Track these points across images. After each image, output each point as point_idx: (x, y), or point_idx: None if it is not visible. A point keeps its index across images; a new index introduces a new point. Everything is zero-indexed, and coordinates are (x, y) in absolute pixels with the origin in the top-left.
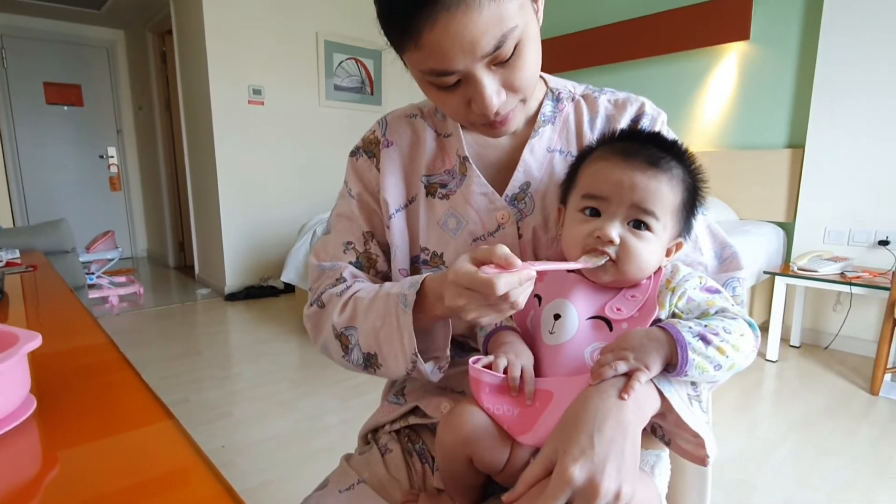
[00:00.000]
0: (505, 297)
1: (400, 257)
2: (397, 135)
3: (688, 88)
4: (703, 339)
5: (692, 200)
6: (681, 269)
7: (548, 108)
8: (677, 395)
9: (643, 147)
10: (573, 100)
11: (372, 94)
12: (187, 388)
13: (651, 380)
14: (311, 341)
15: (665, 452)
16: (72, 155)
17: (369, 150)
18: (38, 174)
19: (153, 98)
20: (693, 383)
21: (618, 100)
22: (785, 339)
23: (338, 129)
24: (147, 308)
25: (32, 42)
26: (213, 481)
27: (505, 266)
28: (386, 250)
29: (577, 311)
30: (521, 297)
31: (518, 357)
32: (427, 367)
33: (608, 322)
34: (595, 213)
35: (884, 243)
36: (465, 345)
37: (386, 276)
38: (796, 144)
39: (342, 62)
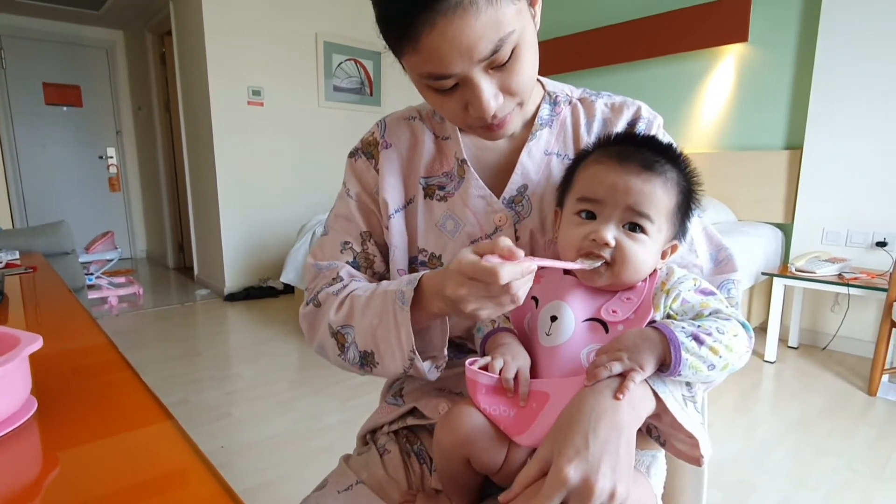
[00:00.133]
0: (506, 288)
1: (398, 258)
2: (396, 137)
3: (686, 90)
4: (697, 339)
5: (687, 203)
6: (675, 271)
7: (545, 111)
8: (672, 396)
9: (638, 150)
10: (570, 103)
11: (371, 95)
12: (186, 388)
13: (646, 381)
14: (303, 334)
15: (661, 453)
16: (71, 155)
17: (368, 151)
18: (37, 175)
19: (153, 99)
20: (688, 384)
21: (614, 103)
22: (783, 340)
23: (337, 130)
24: (146, 309)
25: (32, 42)
26: (213, 482)
27: (508, 257)
28: (383, 251)
29: (574, 314)
30: (522, 290)
31: (514, 358)
32: (424, 366)
33: (604, 324)
34: (591, 215)
35: (881, 244)
36: (462, 346)
37: (383, 277)
38: (794, 146)
39: (341, 63)
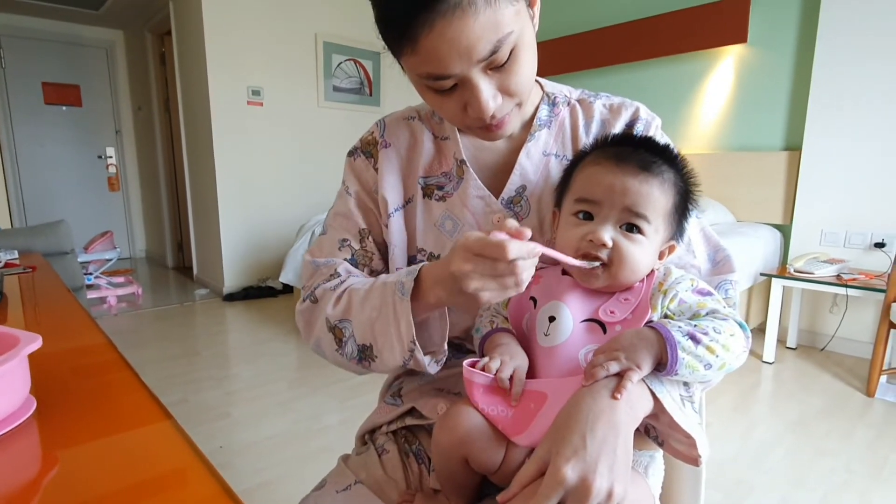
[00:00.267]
0: (512, 267)
1: (397, 256)
2: (395, 136)
3: (685, 91)
4: (693, 338)
5: (684, 204)
6: (673, 271)
7: (544, 112)
8: (669, 397)
9: (635, 151)
10: (569, 104)
11: (371, 95)
12: (185, 388)
13: (644, 380)
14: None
15: (659, 453)
16: (70, 155)
17: (367, 150)
18: (36, 174)
19: (152, 98)
20: (685, 384)
21: (613, 104)
22: (781, 341)
23: (337, 130)
24: (145, 309)
25: (31, 42)
26: (212, 481)
27: (515, 236)
28: (382, 249)
29: (572, 314)
30: (526, 273)
31: (511, 359)
32: (424, 359)
33: (602, 325)
34: (588, 216)
35: (880, 245)
36: (461, 346)
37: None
38: (793, 147)
39: (341, 63)
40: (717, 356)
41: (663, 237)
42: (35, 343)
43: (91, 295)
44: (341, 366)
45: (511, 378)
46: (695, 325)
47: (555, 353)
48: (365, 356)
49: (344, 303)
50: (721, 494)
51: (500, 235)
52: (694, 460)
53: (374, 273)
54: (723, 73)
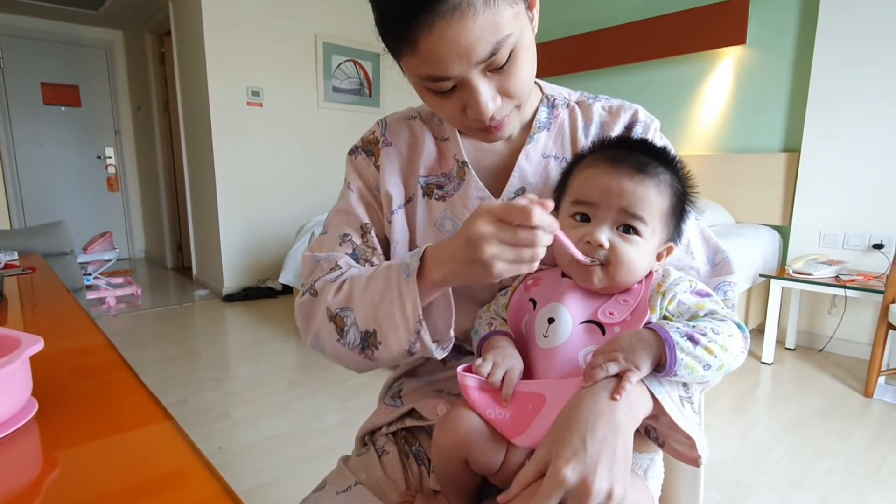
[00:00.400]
0: (533, 236)
1: (399, 253)
2: (396, 136)
3: (685, 92)
4: (691, 339)
5: (681, 205)
6: (671, 273)
7: (543, 114)
8: (668, 397)
9: (631, 154)
10: (568, 106)
11: (370, 96)
12: (185, 389)
13: (643, 382)
14: (301, 337)
15: (658, 456)
16: (69, 155)
17: (368, 149)
18: (35, 175)
19: (152, 99)
20: (685, 385)
21: (612, 107)
22: (780, 342)
23: (336, 131)
24: (144, 309)
25: (30, 42)
26: (213, 482)
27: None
28: (383, 244)
29: (571, 316)
30: (541, 247)
31: (504, 360)
32: (432, 344)
33: (601, 326)
34: (585, 218)
35: (878, 247)
36: (461, 347)
37: None
38: (792, 148)
39: (341, 64)
40: (715, 357)
41: (660, 238)
42: (37, 345)
43: (90, 296)
44: (342, 360)
45: (503, 379)
46: (693, 326)
47: (554, 355)
48: (368, 344)
49: (345, 291)
50: (720, 495)
51: (525, 201)
52: (694, 461)
53: None
54: (722, 74)
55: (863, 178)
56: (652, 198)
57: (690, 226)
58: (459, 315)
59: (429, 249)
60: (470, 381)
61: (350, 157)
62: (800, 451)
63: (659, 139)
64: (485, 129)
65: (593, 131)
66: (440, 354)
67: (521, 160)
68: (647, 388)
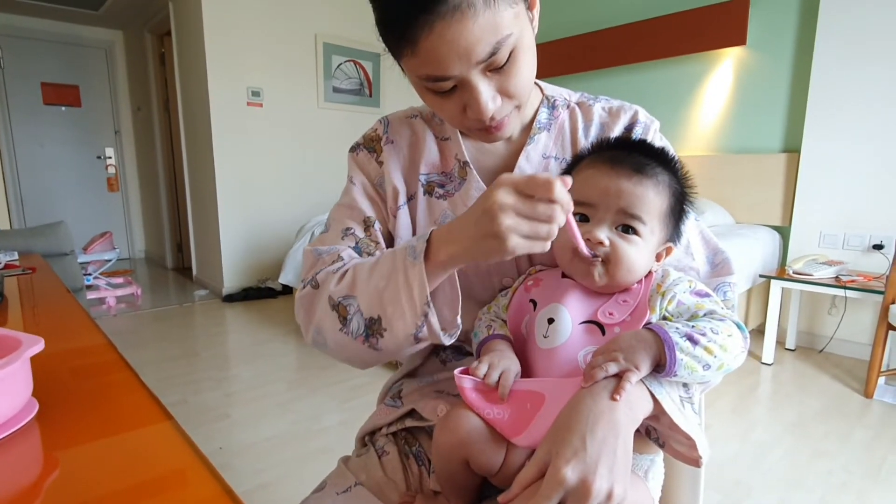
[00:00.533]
0: (551, 211)
1: None
2: (398, 134)
3: (685, 93)
4: (691, 339)
5: (679, 206)
6: (671, 273)
7: (543, 115)
8: (668, 398)
9: (630, 154)
10: (568, 107)
11: (370, 96)
12: (185, 389)
13: (643, 382)
14: (301, 334)
15: (659, 457)
16: (69, 155)
17: (370, 146)
18: (35, 175)
19: (152, 99)
20: (685, 385)
21: (612, 107)
22: (780, 342)
23: (336, 131)
24: (144, 309)
25: (30, 42)
26: (213, 482)
27: None
28: (386, 239)
29: (571, 316)
30: (556, 225)
31: (500, 361)
32: (437, 326)
33: (601, 326)
34: (584, 219)
35: (878, 247)
36: (461, 348)
37: None
38: (792, 149)
39: (341, 64)
40: (715, 357)
41: (659, 238)
42: (37, 346)
43: (90, 296)
44: (345, 351)
45: (499, 380)
46: (692, 326)
47: (554, 355)
48: (373, 331)
49: (348, 279)
50: (720, 495)
51: (546, 175)
52: (695, 461)
53: None
54: (722, 75)
55: (863, 179)
56: (650, 198)
57: (690, 226)
58: (461, 312)
59: (435, 232)
60: (467, 383)
61: (352, 154)
62: (800, 452)
63: (658, 140)
64: (485, 130)
65: (593, 132)
66: (447, 340)
67: (522, 161)
68: (648, 389)
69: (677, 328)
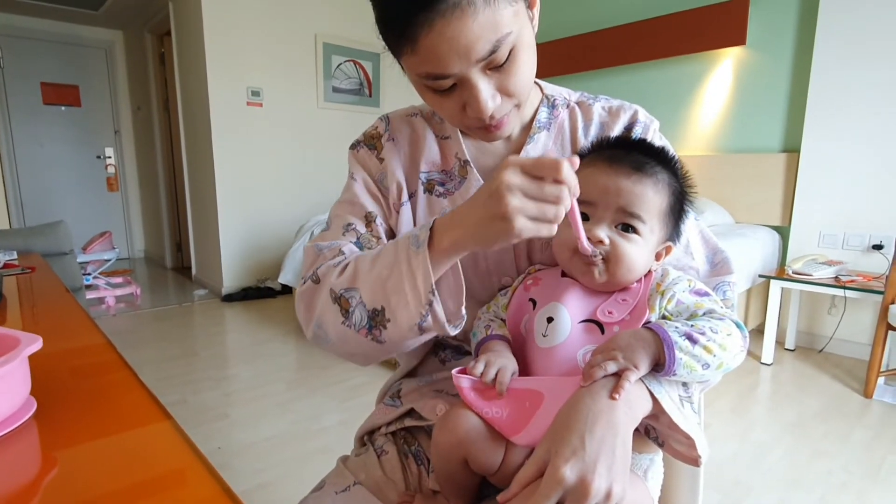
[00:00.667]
0: (559, 191)
1: None
2: (399, 131)
3: (684, 92)
4: (690, 338)
5: (679, 205)
6: (670, 272)
7: (543, 114)
8: (668, 397)
9: (629, 153)
10: (568, 107)
11: (370, 96)
12: (184, 389)
13: (642, 381)
14: (301, 334)
15: (658, 456)
16: (69, 155)
17: (371, 143)
18: (35, 174)
19: (151, 99)
20: (684, 385)
21: (612, 107)
22: (780, 342)
23: (336, 131)
24: (144, 309)
25: (30, 42)
26: (212, 482)
27: None
28: (388, 235)
29: (570, 315)
30: (563, 207)
31: (497, 360)
32: (442, 314)
33: (600, 325)
34: (584, 217)
35: (878, 247)
36: (460, 348)
37: None
38: (791, 149)
39: (341, 64)
40: (714, 356)
41: (659, 238)
42: (35, 344)
43: (89, 295)
44: (347, 344)
45: (496, 377)
46: (692, 326)
47: (553, 354)
48: (376, 323)
49: (350, 271)
50: (719, 495)
51: (554, 155)
52: (694, 461)
53: None
54: (721, 75)
55: (862, 179)
56: (650, 197)
57: (689, 226)
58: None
59: (437, 220)
60: (464, 382)
61: (352, 151)
62: (799, 452)
63: (658, 139)
64: (484, 128)
65: (593, 131)
66: (452, 331)
67: None
68: (647, 388)
69: (676, 327)
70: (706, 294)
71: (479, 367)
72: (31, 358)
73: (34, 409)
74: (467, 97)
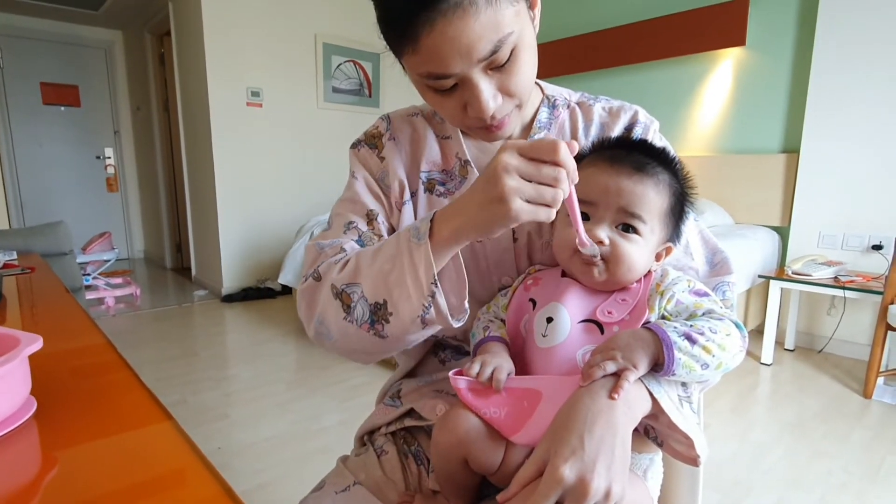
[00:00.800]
0: (556, 174)
1: None
2: (400, 131)
3: (684, 93)
4: (689, 338)
5: (680, 206)
6: (670, 272)
7: (544, 114)
8: (667, 397)
9: (630, 153)
10: (568, 107)
11: (370, 96)
12: (184, 389)
13: (641, 381)
14: (300, 334)
15: (658, 456)
16: (69, 155)
17: (371, 142)
18: (34, 175)
19: (151, 99)
20: (683, 385)
21: (612, 108)
22: (779, 343)
23: (336, 131)
24: (144, 309)
25: (30, 42)
26: (212, 482)
27: None
28: (389, 232)
29: (570, 315)
30: (561, 192)
31: (492, 359)
32: (445, 306)
33: (600, 325)
34: (584, 217)
35: (877, 248)
36: (460, 348)
37: None
38: (791, 149)
39: (340, 65)
40: (713, 356)
41: (659, 238)
42: (36, 344)
43: (89, 296)
44: (349, 341)
45: (492, 376)
46: (691, 326)
47: (552, 354)
48: (378, 317)
49: (351, 266)
50: (719, 495)
51: (551, 137)
52: (693, 460)
53: None
54: (721, 75)
55: (862, 179)
56: (651, 197)
57: (689, 226)
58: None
59: (437, 212)
60: (462, 384)
61: (353, 150)
62: (799, 452)
63: (658, 140)
64: (485, 128)
65: (593, 132)
66: (456, 323)
67: None
68: (646, 388)
69: (675, 327)
70: (705, 294)
71: (475, 368)
72: (32, 358)
73: (34, 409)
74: (468, 97)
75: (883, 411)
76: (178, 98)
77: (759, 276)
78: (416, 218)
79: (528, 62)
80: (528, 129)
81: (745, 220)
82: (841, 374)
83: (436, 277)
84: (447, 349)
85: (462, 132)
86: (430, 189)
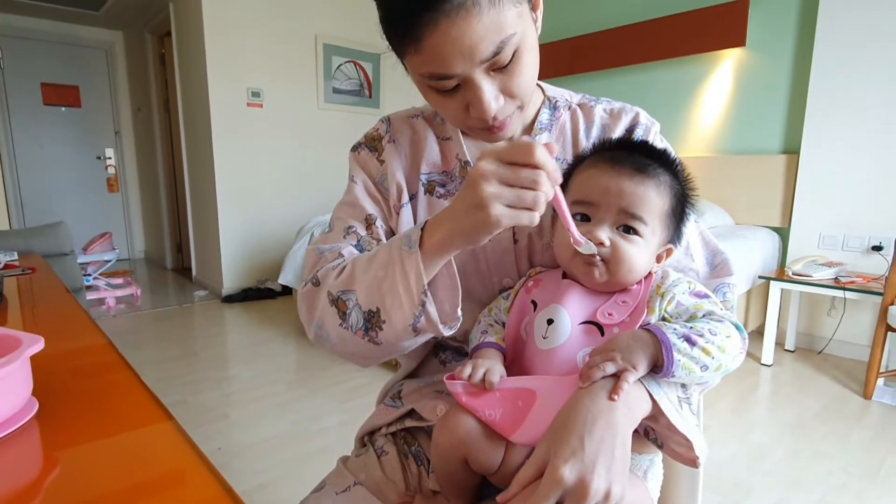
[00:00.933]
0: (535, 176)
1: None
2: (400, 133)
3: (684, 94)
4: (688, 340)
5: (681, 207)
6: (671, 274)
7: (545, 116)
8: (666, 398)
9: (631, 155)
10: (570, 108)
11: (370, 97)
12: (184, 389)
13: (641, 382)
14: (301, 334)
15: (658, 457)
16: (69, 156)
17: (371, 145)
18: (35, 175)
19: (152, 99)
20: (683, 386)
21: (613, 109)
22: (780, 344)
23: (336, 132)
24: (144, 310)
25: (30, 43)
26: (213, 482)
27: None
28: (389, 236)
29: (570, 316)
30: (543, 193)
31: (483, 361)
32: (437, 316)
33: (600, 327)
34: (585, 218)
35: (877, 249)
36: (460, 349)
37: None
38: (791, 150)
39: (341, 65)
40: (712, 358)
41: (660, 239)
42: (37, 345)
43: (90, 296)
44: (346, 346)
45: (485, 376)
46: (690, 328)
47: (553, 356)
48: (371, 325)
49: (347, 273)
50: (719, 496)
51: (527, 139)
52: (692, 462)
53: None
54: (721, 76)
55: (862, 180)
56: (652, 198)
57: (690, 228)
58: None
59: (429, 220)
60: (458, 387)
61: (353, 153)
62: (799, 453)
63: (659, 142)
64: (487, 129)
65: (595, 133)
66: (447, 332)
67: None
68: (646, 389)
69: (675, 329)
70: (706, 296)
71: (467, 371)
72: (33, 359)
73: (36, 410)
74: (471, 98)
75: (883, 412)
76: (179, 98)
77: (760, 277)
78: (415, 221)
79: (530, 63)
80: (529, 130)
81: (745, 221)
82: (841, 374)
83: (426, 287)
84: (448, 350)
85: (463, 133)
86: (430, 191)
